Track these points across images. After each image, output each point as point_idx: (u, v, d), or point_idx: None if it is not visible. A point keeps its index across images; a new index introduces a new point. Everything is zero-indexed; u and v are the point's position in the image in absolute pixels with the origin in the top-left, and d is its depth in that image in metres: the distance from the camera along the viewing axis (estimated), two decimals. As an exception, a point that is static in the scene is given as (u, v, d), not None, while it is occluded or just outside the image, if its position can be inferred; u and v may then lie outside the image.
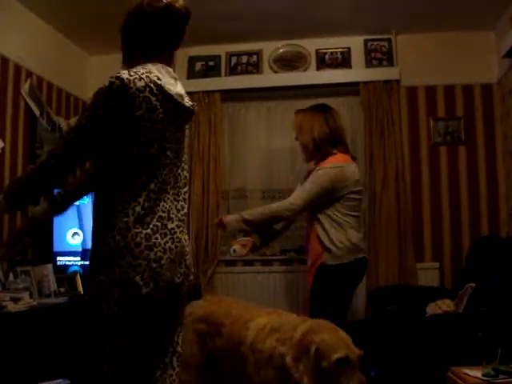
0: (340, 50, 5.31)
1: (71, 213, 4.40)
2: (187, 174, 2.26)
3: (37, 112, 4.56)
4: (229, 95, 5.35)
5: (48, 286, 3.97)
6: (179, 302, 2.24)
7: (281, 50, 5.36)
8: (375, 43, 5.27)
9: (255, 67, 5.38)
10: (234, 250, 3.61)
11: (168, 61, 2.23)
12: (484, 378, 2.68)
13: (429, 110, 5.18)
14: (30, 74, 4.51)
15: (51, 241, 4.33)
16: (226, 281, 5.14)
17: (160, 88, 2.07)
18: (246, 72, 5.37)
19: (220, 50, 5.44)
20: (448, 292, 4.42)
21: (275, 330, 2.63)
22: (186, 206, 2.24)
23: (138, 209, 2.05)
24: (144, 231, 2.04)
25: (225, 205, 5.39)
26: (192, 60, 5.45)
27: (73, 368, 3.41)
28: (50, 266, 4.04)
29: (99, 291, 2.06)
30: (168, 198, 2.14)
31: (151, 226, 2.06)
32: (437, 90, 5.19)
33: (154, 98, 2.06)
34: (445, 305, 4.04)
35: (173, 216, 2.14)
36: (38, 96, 4.60)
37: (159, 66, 2.16)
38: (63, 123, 4.83)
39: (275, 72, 5.36)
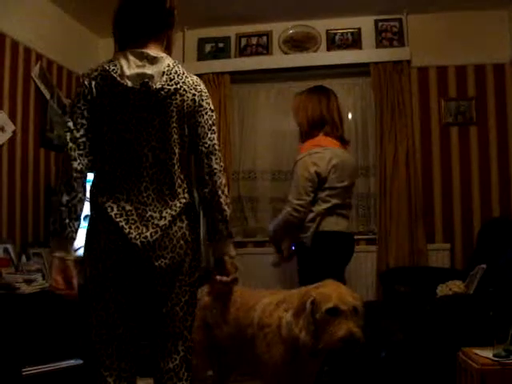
0: (350, 30, 5.27)
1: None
2: (170, 155, 2.21)
3: (47, 95, 4.56)
4: (238, 77, 5.32)
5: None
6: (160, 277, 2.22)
7: (291, 31, 5.33)
8: (386, 23, 5.21)
9: (265, 48, 5.35)
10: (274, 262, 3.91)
11: (151, 44, 2.27)
12: (495, 359, 2.69)
13: (440, 91, 5.14)
14: (40, 56, 4.51)
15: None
16: (237, 262, 5.05)
17: (107, 72, 2.18)
18: (256, 53, 5.34)
19: (230, 31, 5.41)
20: (459, 273, 4.42)
21: (281, 302, 2.66)
22: (159, 186, 2.20)
23: (94, 189, 2.22)
24: (100, 207, 2.18)
25: (235, 186, 5.40)
26: (201, 42, 5.42)
27: (85, 348, 3.45)
28: (61, 247, 4.06)
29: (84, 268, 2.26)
30: (129, 179, 2.18)
31: (106, 205, 2.17)
32: (448, 70, 5.14)
33: (103, 84, 2.17)
34: (455, 286, 4.04)
35: (133, 198, 2.18)
36: (49, 79, 4.61)
37: (128, 52, 2.23)
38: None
39: (285, 53, 5.33)
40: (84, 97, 2.19)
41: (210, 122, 2.31)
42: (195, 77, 2.33)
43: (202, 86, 2.33)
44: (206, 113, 2.30)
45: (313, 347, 2.42)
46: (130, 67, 2.20)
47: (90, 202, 2.24)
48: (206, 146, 2.28)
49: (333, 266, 3.49)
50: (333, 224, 3.54)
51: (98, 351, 2.24)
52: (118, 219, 2.16)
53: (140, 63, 2.21)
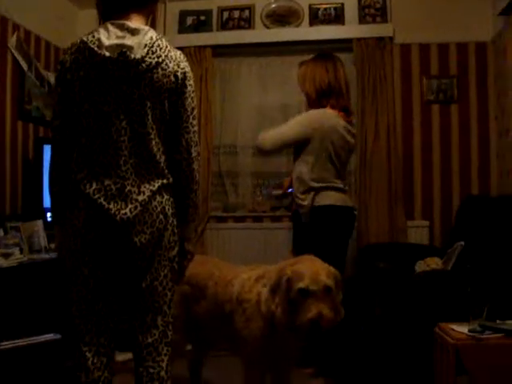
0: (333, 5, 5.22)
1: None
2: (148, 129, 2.18)
3: (25, 66, 4.48)
4: (220, 51, 5.27)
5: (38, 241, 3.97)
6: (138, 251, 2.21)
7: (273, 5, 5.27)
8: (369, -1, 5.19)
9: (247, 22, 5.30)
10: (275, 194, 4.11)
11: (134, 17, 2.23)
12: (470, 334, 2.72)
13: (422, 68, 5.14)
14: (17, 27, 4.42)
15: (41, 196, 4.30)
16: (217, 237, 5.16)
17: (84, 44, 2.15)
18: (238, 27, 5.29)
19: (211, 4, 5.34)
20: (437, 250, 4.46)
21: (260, 277, 2.68)
22: (137, 160, 2.18)
23: (73, 164, 2.22)
24: (80, 185, 2.18)
25: (215, 160, 5.38)
26: (183, 14, 5.36)
27: (64, 323, 3.43)
28: (40, 221, 4.03)
29: (62, 243, 2.32)
30: (107, 153, 2.16)
31: (85, 181, 2.17)
32: (430, 48, 5.13)
33: (81, 57, 2.15)
34: (433, 262, 4.08)
35: (111, 172, 2.16)
36: (26, 50, 4.52)
37: (108, 23, 2.20)
38: (52, 77, 4.76)
39: (267, 27, 5.28)
40: (60, 80, 2.21)
41: (193, 105, 2.30)
42: (179, 52, 2.29)
43: (186, 63, 2.28)
44: (190, 95, 2.28)
45: (288, 324, 2.43)
46: (109, 38, 2.16)
47: (69, 178, 2.22)
48: (187, 131, 2.28)
49: (333, 242, 3.52)
50: (330, 198, 3.55)
51: (76, 326, 2.24)
52: (96, 195, 2.13)
53: (120, 34, 2.17)
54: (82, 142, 2.19)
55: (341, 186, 3.62)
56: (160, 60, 2.17)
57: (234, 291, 2.73)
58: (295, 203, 3.69)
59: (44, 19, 4.80)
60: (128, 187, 2.16)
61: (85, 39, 2.17)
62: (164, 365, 2.28)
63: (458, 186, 5.06)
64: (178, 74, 2.23)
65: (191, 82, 2.30)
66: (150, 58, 2.15)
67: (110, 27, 2.19)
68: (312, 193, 3.53)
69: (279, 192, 4.20)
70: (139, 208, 2.15)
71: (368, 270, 4.48)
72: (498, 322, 2.83)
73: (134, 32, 2.17)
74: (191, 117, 2.29)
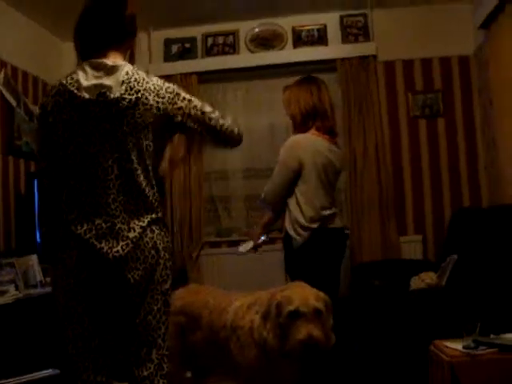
0: (316, 27, 5.29)
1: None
2: (135, 165, 2.17)
3: (13, 102, 4.51)
4: (206, 77, 5.33)
5: (34, 276, 3.98)
6: (132, 286, 2.21)
7: (257, 29, 5.34)
8: (351, 19, 5.26)
9: (232, 47, 5.36)
10: (242, 252, 3.83)
11: (112, 53, 2.25)
12: (464, 350, 2.73)
13: (407, 84, 5.20)
14: (4, 64, 4.46)
15: (35, 231, 4.32)
16: (212, 262, 5.18)
17: (64, 87, 2.17)
18: (223, 53, 5.35)
19: (196, 31, 5.41)
20: (431, 264, 4.48)
21: (252, 304, 2.69)
22: (125, 197, 2.18)
23: (63, 205, 2.20)
24: (71, 226, 2.16)
25: (207, 187, 5.41)
26: (168, 42, 5.41)
27: (62, 358, 3.43)
28: (34, 256, 4.04)
29: (55, 282, 2.27)
30: (95, 193, 2.16)
31: (76, 222, 2.16)
32: (414, 64, 5.20)
33: (61, 99, 2.17)
34: (428, 277, 4.09)
35: (101, 211, 2.16)
36: (14, 86, 4.56)
37: (85, 63, 2.22)
38: (41, 112, 4.80)
39: (252, 52, 5.34)
40: (42, 123, 2.24)
41: (197, 104, 2.25)
42: (155, 79, 2.26)
43: (165, 87, 2.25)
44: (187, 105, 2.23)
45: (280, 349, 2.45)
46: (87, 79, 2.17)
47: (60, 219, 2.23)
48: (210, 119, 2.26)
49: (325, 264, 3.53)
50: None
51: (74, 364, 2.24)
52: (87, 235, 2.14)
53: (97, 74, 2.19)
54: (71, 184, 2.20)
55: (332, 212, 3.64)
56: (139, 95, 2.17)
57: (228, 318, 2.74)
58: (286, 231, 3.69)
59: (30, 54, 4.85)
60: (118, 225, 2.16)
61: (64, 82, 2.18)
62: None
63: (449, 199, 5.09)
64: (160, 105, 2.22)
65: (182, 93, 2.26)
66: (128, 94, 2.16)
67: (88, 67, 2.21)
68: (308, 232, 3.54)
69: (250, 246, 3.84)
70: (131, 245, 2.16)
71: (362, 288, 4.49)
72: (492, 336, 2.85)
73: (111, 70, 2.19)
74: (203, 111, 2.25)
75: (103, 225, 2.15)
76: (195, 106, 2.26)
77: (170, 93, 2.25)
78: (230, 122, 2.32)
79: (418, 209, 5.12)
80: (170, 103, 2.23)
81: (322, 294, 2.52)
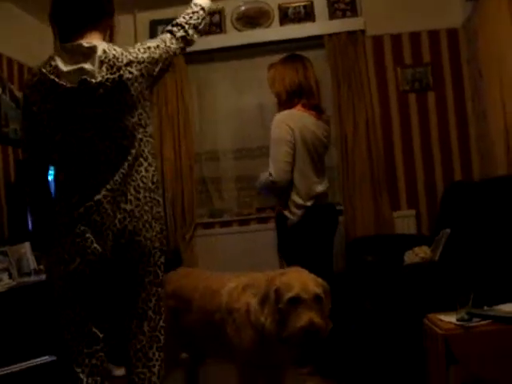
0: (303, 3, 5.23)
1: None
2: (132, 139, 2.21)
3: (-1, 89, 4.47)
4: (193, 57, 5.25)
5: (27, 264, 3.96)
6: (127, 268, 2.25)
7: (243, 8, 5.28)
8: (338, -7, 5.20)
9: (218, 27, 5.30)
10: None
11: (90, 34, 2.24)
12: (458, 323, 2.73)
13: (395, 59, 5.16)
14: (-13, 51, 4.41)
15: (26, 219, 4.30)
16: (205, 243, 5.17)
17: (44, 76, 2.14)
18: (209, 32, 5.28)
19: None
20: (425, 238, 4.47)
21: (248, 286, 2.67)
22: (130, 174, 2.21)
23: (60, 190, 2.23)
24: (62, 210, 2.19)
25: (198, 167, 5.39)
26: (153, 24, 5.34)
27: (58, 345, 3.43)
28: (27, 244, 4.02)
29: (48, 269, 2.35)
30: (94, 172, 2.17)
31: (67, 203, 2.18)
32: (402, 38, 5.16)
33: (43, 89, 2.14)
34: (422, 251, 4.09)
35: (96, 188, 2.16)
36: (-1, 73, 4.52)
37: (62, 47, 2.20)
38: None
39: (239, 30, 5.29)
40: (25, 114, 2.23)
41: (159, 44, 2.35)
42: (132, 49, 2.26)
43: (140, 50, 2.27)
44: (155, 51, 2.30)
45: (278, 335, 2.44)
46: (66, 64, 2.15)
47: (61, 204, 2.22)
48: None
49: (318, 241, 3.55)
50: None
51: (69, 349, 2.26)
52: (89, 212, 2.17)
53: (75, 58, 2.16)
54: (71, 170, 2.20)
55: (324, 188, 3.64)
56: (122, 72, 2.17)
57: (223, 300, 2.72)
58: (280, 211, 3.68)
59: (14, 40, 4.79)
60: (117, 198, 2.18)
61: (44, 70, 2.15)
62: (156, 370, 2.29)
63: (441, 173, 5.09)
64: (143, 71, 2.24)
65: (148, 43, 2.33)
66: (110, 74, 2.15)
67: (65, 51, 2.18)
68: (302, 210, 3.53)
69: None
70: (127, 218, 2.17)
71: (357, 264, 4.50)
72: (485, 308, 2.84)
73: (88, 52, 2.17)
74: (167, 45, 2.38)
75: (103, 200, 2.16)
76: (159, 46, 2.33)
77: (144, 52, 2.27)
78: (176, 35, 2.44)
79: (410, 183, 5.12)
80: (149, 63, 2.27)
81: (320, 280, 2.50)
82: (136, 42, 4.99)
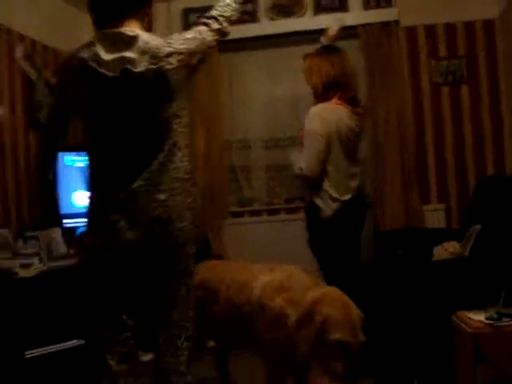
0: (337, -8, 5.19)
1: (74, 175, 4.42)
2: (169, 133, 2.24)
3: (33, 76, 4.51)
4: (226, 46, 5.20)
5: (57, 249, 4.01)
6: (160, 263, 2.27)
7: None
8: (372, -16, 5.14)
9: (251, 15, 5.28)
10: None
11: (128, 22, 2.26)
12: (487, 322, 2.72)
13: (429, 50, 5.10)
14: (22, 37, 4.44)
15: (57, 204, 4.35)
16: (234, 232, 5.18)
17: (84, 62, 2.16)
18: (243, 21, 5.25)
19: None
20: (455, 233, 4.42)
21: (284, 289, 2.63)
22: (165, 164, 2.23)
23: (92, 178, 2.29)
24: (97, 198, 2.26)
25: (229, 156, 5.41)
26: (186, 12, 5.36)
27: (86, 329, 3.48)
28: (57, 229, 4.08)
29: (81, 256, 2.45)
30: (129, 161, 2.20)
31: (101, 190, 2.24)
32: (437, 29, 5.08)
33: (82, 76, 2.17)
34: (451, 247, 4.05)
35: (131, 176, 2.19)
36: (34, 59, 4.55)
37: (104, 33, 2.22)
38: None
39: (272, 19, 5.27)
40: (58, 94, 2.35)
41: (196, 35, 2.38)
42: (169, 39, 2.29)
43: (179, 40, 2.29)
44: (193, 42, 2.33)
45: (311, 355, 2.44)
46: (107, 51, 2.17)
47: (96, 191, 2.29)
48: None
49: (353, 236, 3.56)
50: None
51: (98, 334, 2.29)
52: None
53: (117, 45, 2.18)
54: (100, 158, 2.25)
55: (358, 181, 3.62)
56: (162, 63, 2.19)
57: (255, 294, 2.71)
58: (311, 199, 3.66)
59: (48, 27, 4.82)
60: (152, 188, 2.21)
61: (84, 56, 2.17)
62: (183, 359, 2.31)
63: (473, 167, 5.03)
64: (182, 62, 2.25)
65: (186, 35, 2.36)
66: (152, 64, 2.17)
67: (107, 38, 2.20)
68: (338, 203, 3.51)
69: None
70: (161, 208, 2.20)
71: (386, 256, 4.48)
72: (516, 307, 2.82)
73: (130, 41, 2.19)
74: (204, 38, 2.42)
75: (138, 189, 2.20)
76: (196, 38, 2.37)
77: (182, 43, 2.29)
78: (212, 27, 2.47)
79: (441, 177, 5.07)
80: (187, 54, 2.28)
81: (361, 315, 2.47)
82: (170, 30, 5.10)
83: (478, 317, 2.77)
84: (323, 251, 3.50)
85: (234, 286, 2.83)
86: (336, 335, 2.36)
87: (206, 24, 2.45)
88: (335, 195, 3.48)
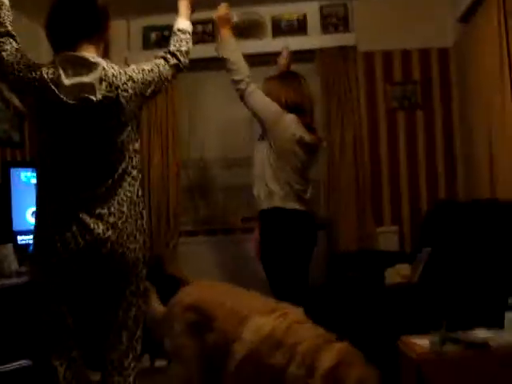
0: (296, 16, 5.25)
1: (29, 191, 4.36)
2: (120, 158, 2.28)
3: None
4: (185, 65, 5.28)
5: (9, 266, 3.95)
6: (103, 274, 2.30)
7: (236, 19, 5.26)
8: (331, 9, 5.22)
9: (211, 36, 5.30)
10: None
11: (86, 46, 2.30)
12: (430, 347, 2.74)
13: (386, 75, 5.20)
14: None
15: (10, 220, 4.29)
16: (189, 251, 5.17)
17: (45, 83, 2.18)
18: (202, 41, 5.27)
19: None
20: (407, 256, 4.50)
21: (280, 343, 2.32)
22: (114, 188, 2.26)
23: (45, 181, 2.29)
24: (40, 214, 2.29)
25: (184, 175, 5.41)
26: (147, 30, 5.36)
27: (35, 349, 3.43)
28: (10, 245, 4.02)
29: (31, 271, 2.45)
30: (79, 183, 2.23)
31: (47, 208, 2.26)
32: (393, 55, 5.19)
33: (43, 96, 2.20)
34: (403, 269, 4.11)
35: (72, 199, 2.22)
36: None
37: (64, 56, 2.25)
38: (16, 100, 4.73)
39: (231, 40, 5.29)
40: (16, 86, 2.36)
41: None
42: (126, 68, 2.35)
43: (135, 71, 2.34)
44: (149, 74, 2.39)
45: None
46: (67, 75, 2.19)
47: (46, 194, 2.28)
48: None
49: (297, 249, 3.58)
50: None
51: (48, 340, 2.31)
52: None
53: (77, 69, 2.21)
54: (44, 175, 2.30)
55: (308, 195, 3.66)
56: (119, 91, 2.23)
57: (247, 335, 2.38)
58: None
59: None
60: (101, 210, 2.24)
61: (45, 77, 2.19)
62: (131, 379, 2.32)
63: (426, 191, 5.13)
64: (137, 90, 2.30)
65: (142, 66, 2.41)
66: (109, 92, 2.21)
67: (68, 61, 2.22)
68: (275, 198, 3.56)
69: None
70: (111, 230, 2.23)
71: (338, 279, 4.52)
72: (459, 332, 2.85)
73: (90, 66, 2.22)
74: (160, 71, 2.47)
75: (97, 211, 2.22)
76: (153, 70, 2.43)
77: (138, 73, 2.35)
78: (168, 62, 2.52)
79: (394, 200, 5.16)
80: (142, 83, 2.34)
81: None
82: (129, 47, 5.08)
83: (423, 342, 2.80)
84: (272, 265, 3.53)
85: (232, 319, 2.48)
86: None
87: (164, 58, 2.50)
88: (281, 193, 3.55)
